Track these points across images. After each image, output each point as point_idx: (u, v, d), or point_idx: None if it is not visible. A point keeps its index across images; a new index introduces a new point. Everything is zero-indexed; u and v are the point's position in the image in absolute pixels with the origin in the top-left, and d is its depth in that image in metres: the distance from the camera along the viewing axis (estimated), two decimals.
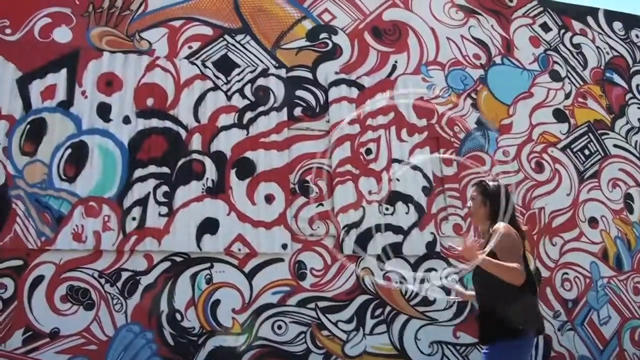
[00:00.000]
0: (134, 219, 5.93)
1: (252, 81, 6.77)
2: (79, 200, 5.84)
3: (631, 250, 7.67)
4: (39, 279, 5.55)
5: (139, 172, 6.09)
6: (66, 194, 5.84)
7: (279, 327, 6.02)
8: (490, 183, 3.72)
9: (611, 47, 8.80)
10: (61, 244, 5.66)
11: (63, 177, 5.89)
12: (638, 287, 7.50)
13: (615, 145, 8.19)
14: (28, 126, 5.97)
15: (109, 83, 6.32)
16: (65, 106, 6.12)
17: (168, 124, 6.35)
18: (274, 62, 6.98)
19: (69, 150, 5.98)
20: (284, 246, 6.25)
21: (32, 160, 5.87)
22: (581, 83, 8.37)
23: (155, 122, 6.32)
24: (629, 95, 8.63)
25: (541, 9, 8.59)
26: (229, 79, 6.71)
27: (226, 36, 6.92)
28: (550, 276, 7.15)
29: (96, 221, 5.81)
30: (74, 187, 5.88)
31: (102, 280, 5.69)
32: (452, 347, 6.44)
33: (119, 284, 5.73)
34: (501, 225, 3.47)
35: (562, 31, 8.58)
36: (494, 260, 3.38)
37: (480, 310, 3.72)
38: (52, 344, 5.39)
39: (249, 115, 6.63)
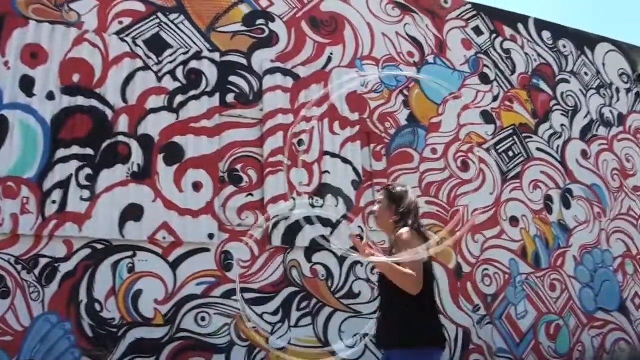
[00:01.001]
0: (54, 202, 5.61)
1: (184, 63, 6.55)
2: None
3: (549, 249, 8.00)
4: None
5: (61, 153, 5.77)
6: None
7: (203, 319, 5.88)
8: (397, 188, 3.61)
9: (539, 55, 9.12)
10: None
11: None
12: (554, 284, 7.82)
13: (538, 149, 8.50)
14: None
15: (34, 55, 5.94)
16: None
17: (94, 102, 6.04)
18: (207, 45, 6.78)
19: None
20: (211, 236, 6.09)
21: None
22: (509, 87, 8.62)
23: (80, 100, 5.99)
24: (554, 101, 8.96)
25: (474, 12, 8.78)
26: (160, 59, 6.45)
27: (159, 14, 6.66)
28: (471, 271, 7.35)
29: (14, 203, 5.46)
30: None
31: (19, 267, 5.35)
32: (374, 340, 6.48)
33: (37, 271, 5.41)
34: (405, 231, 3.30)
35: (494, 36, 8.80)
36: (390, 263, 3.17)
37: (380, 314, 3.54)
38: None
39: (179, 98, 6.41)
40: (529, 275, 7.71)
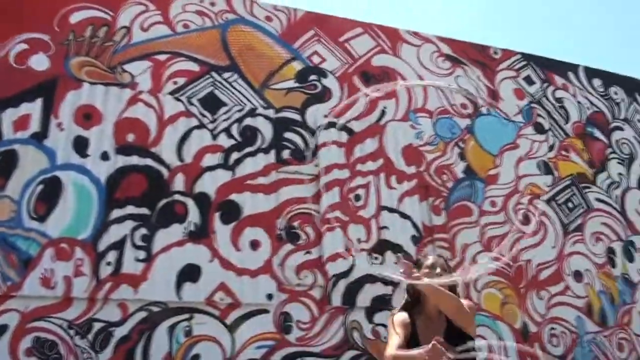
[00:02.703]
0: (108, 263, 5.44)
1: (239, 120, 6.47)
2: (49, 241, 5.33)
3: (614, 305, 7.55)
4: (2, 329, 4.98)
5: (116, 213, 5.64)
6: (36, 234, 5.32)
7: None
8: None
9: (591, 103, 8.89)
10: (29, 289, 5.11)
11: (33, 215, 5.38)
12: (622, 344, 7.35)
13: (597, 199, 8.16)
14: None
15: (88, 116, 5.91)
16: (39, 138, 5.68)
17: (149, 161, 5.95)
18: (262, 102, 6.71)
19: (41, 186, 5.51)
20: (270, 296, 5.85)
21: (0, 196, 5.37)
22: (564, 136, 8.37)
23: (135, 160, 5.91)
24: (609, 150, 8.68)
25: (525, 62, 8.63)
26: (215, 117, 6.39)
27: (213, 73, 6.62)
28: (538, 331, 6.94)
29: (67, 265, 5.30)
30: (44, 226, 5.37)
31: (72, 332, 5.15)
32: None
33: (90, 336, 5.19)
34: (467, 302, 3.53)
35: (545, 85, 8.62)
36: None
37: None
38: None
39: (235, 155, 6.30)
40: (596, 333, 7.26)
